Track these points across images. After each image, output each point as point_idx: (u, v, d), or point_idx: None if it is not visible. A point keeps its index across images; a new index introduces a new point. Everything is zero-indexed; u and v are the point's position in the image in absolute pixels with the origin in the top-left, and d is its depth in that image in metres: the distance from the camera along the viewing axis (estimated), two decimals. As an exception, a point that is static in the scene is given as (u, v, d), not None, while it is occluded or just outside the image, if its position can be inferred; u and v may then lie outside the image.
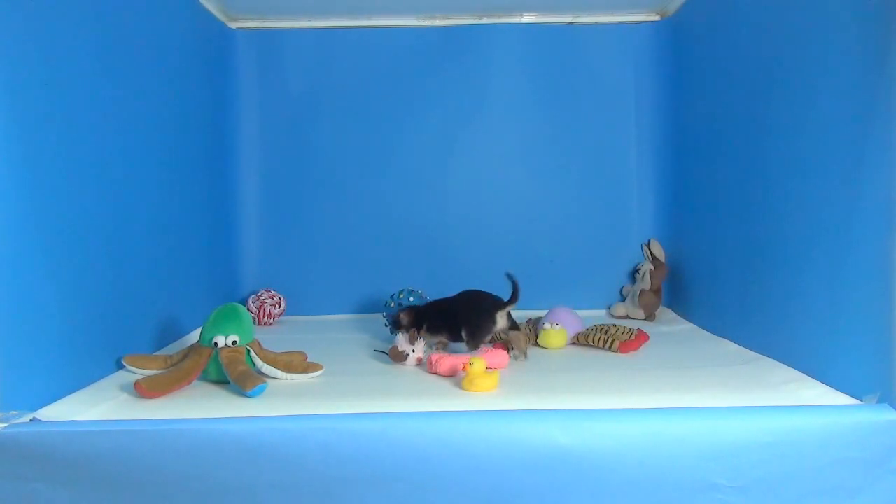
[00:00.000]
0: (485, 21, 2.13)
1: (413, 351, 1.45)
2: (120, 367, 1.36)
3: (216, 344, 1.32)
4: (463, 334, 1.50)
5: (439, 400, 1.19)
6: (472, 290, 1.58)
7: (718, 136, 1.74)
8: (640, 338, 1.61)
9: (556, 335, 1.62)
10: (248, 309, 1.80)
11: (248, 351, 1.34)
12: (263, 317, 2.00)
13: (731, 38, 1.65)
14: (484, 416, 1.04)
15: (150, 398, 1.19)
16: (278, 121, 2.17)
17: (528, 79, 2.15)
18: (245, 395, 1.21)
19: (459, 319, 1.52)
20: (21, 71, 1.10)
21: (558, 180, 2.17)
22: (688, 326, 1.88)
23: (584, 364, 1.48)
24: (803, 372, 1.28)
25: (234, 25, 2.14)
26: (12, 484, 0.99)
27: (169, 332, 1.64)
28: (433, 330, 1.55)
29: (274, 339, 1.59)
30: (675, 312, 2.06)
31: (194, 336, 1.65)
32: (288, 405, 1.15)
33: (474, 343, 1.48)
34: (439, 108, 2.15)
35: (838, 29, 1.19)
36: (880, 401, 1.05)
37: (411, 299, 1.73)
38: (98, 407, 1.14)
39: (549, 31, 2.14)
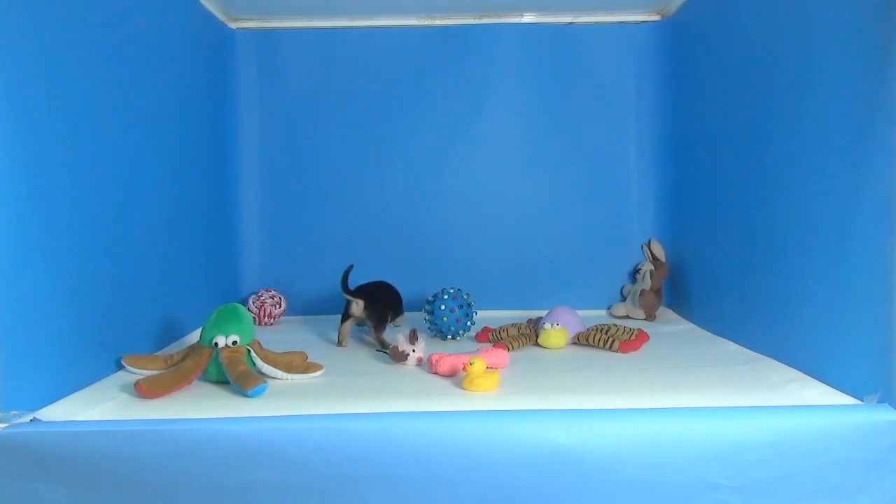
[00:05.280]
0: (485, 21, 2.13)
1: (413, 351, 1.45)
2: (120, 367, 1.36)
3: (216, 344, 1.32)
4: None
5: (439, 400, 1.19)
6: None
7: (718, 135, 1.74)
8: (641, 338, 1.61)
9: (556, 335, 1.62)
10: (248, 309, 1.80)
11: (249, 351, 1.34)
12: (264, 317, 2.00)
13: (731, 37, 1.65)
14: (484, 416, 1.04)
15: (150, 398, 1.19)
16: (278, 121, 2.17)
17: (528, 79, 2.14)
18: (245, 395, 1.21)
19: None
20: (21, 71, 1.10)
21: (558, 180, 2.16)
22: (688, 326, 1.88)
23: (585, 364, 1.48)
24: (804, 372, 1.28)
25: (234, 25, 2.14)
26: (12, 484, 0.99)
27: (169, 333, 1.64)
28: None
29: (274, 339, 1.59)
30: (676, 312, 2.06)
31: (194, 336, 1.65)
32: (288, 405, 1.14)
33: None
34: (439, 108, 2.15)
35: (838, 29, 1.19)
36: (881, 401, 1.05)
37: (455, 299, 1.71)
38: (98, 407, 1.14)
39: (549, 31, 2.14)
